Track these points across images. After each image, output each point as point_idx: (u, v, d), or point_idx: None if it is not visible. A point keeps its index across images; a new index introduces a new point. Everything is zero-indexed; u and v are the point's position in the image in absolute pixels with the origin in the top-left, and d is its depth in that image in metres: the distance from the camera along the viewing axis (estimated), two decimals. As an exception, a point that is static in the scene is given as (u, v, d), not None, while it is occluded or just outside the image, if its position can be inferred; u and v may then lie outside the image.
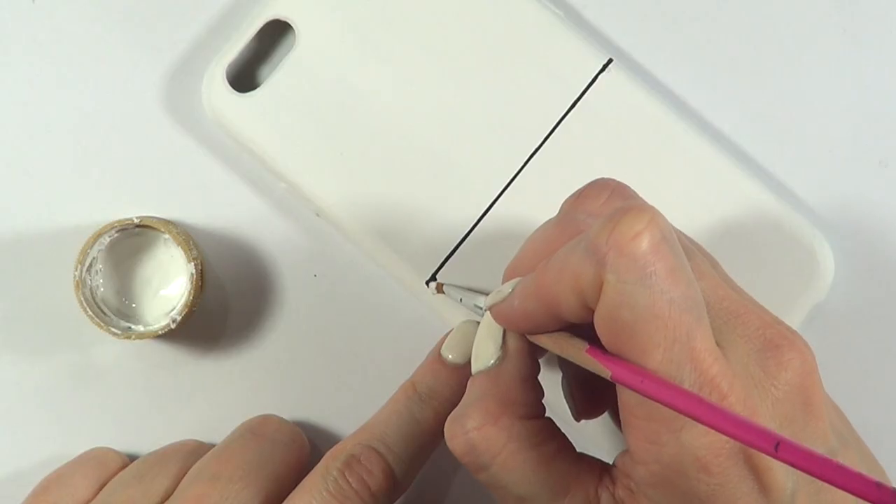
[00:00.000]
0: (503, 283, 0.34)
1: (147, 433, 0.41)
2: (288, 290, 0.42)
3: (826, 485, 0.30)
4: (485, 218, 0.40)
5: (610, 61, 0.40)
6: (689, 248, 0.31)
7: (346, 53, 0.40)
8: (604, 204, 0.33)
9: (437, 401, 0.38)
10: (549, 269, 0.30)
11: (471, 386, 0.34)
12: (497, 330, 0.34)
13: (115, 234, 0.39)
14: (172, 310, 0.40)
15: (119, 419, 0.42)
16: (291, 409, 0.42)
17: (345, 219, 0.40)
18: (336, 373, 0.42)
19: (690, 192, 0.40)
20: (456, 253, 0.40)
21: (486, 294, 0.36)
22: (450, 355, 0.38)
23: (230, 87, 0.40)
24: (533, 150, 0.40)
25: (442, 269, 0.40)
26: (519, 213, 0.40)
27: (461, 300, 0.39)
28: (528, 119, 0.40)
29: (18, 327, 0.41)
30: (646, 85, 0.41)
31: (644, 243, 0.27)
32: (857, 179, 0.42)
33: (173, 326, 0.39)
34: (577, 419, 0.36)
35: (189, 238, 0.40)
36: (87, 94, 0.42)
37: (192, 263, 0.39)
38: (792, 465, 0.25)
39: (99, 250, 0.39)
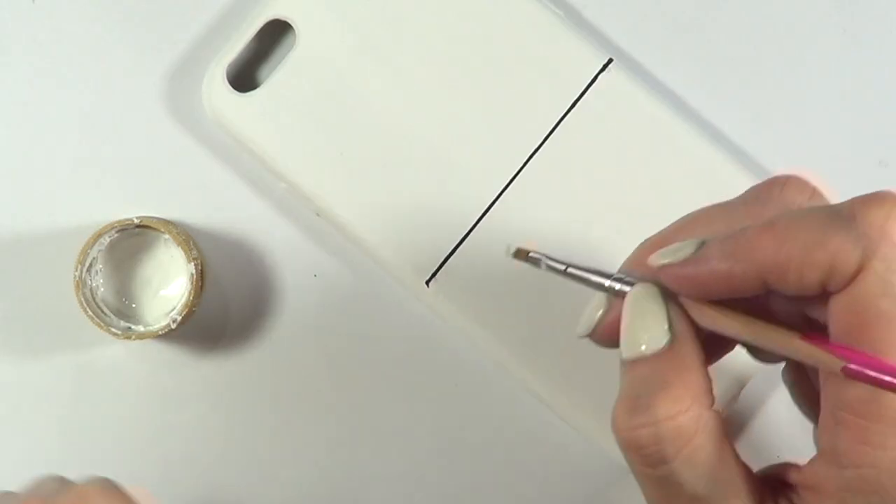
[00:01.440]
0: (637, 257, 0.31)
1: (147, 433, 0.41)
2: (288, 290, 0.42)
3: None
4: (485, 217, 0.40)
5: (610, 61, 0.40)
6: None
7: (346, 53, 0.40)
8: (811, 199, 0.31)
9: None
10: (782, 235, 0.28)
11: (641, 371, 0.30)
12: (660, 306, 0.30)
13: (115, 234, 0.39)
14: (172, 310, 0.40)
15: (119, 419, 0.41)
16: (291, 408, 0.42)
17: (345, 219, 0.40)
18: (336, 373, 0.42)
19: (690, 192, 0.40)
20: (456, 252, 0.40)
21: (593, 271, 0.31)
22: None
23: (230, 87, 0.40)
24: (533, 149, 0.40)
25: (442, 269, 0.40)
26: (519, 212, 0.40)
27: (566, 269, 0.32)
28: (528, 119, 0.40)
29: (18, 327, 0.41)
30: (646, 85, 0.41)
31: None
32: (857, 179, 0.41)
33: (173, 326, 0.39)
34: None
35: (189, 238, 0.40)
36: (87, 94, 0.42)
37: (193, 263, 0.39)
38: None
39: (99, 250, 0.39)
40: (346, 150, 0.40)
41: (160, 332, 0.39)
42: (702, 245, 0.30)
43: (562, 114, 0.40)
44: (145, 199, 0.42)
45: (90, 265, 0.39)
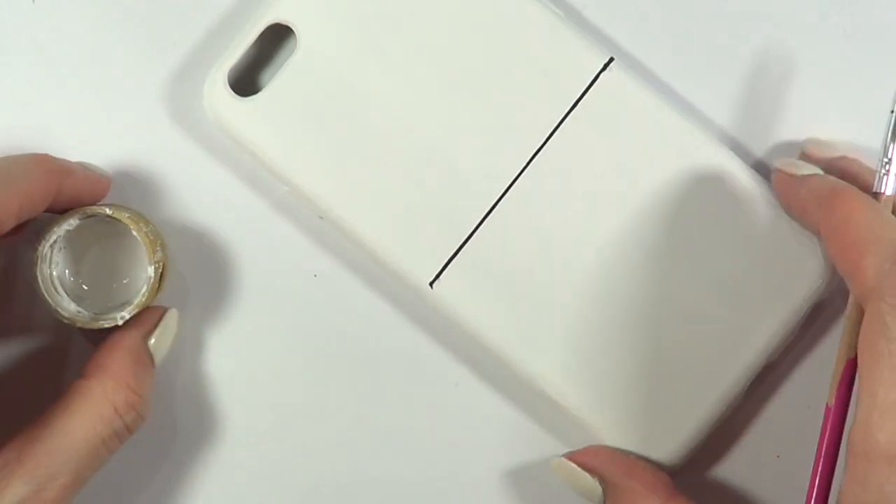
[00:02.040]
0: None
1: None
2: (288, 290, 0.42)
3: None
4: (488, 218, 0.40)
5: (611, 60, 0.40)
6: None
7: (347, 57, 0.40)
8: None
9: None
10: (844, 237, 0.34)
11: None
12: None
13: (82, 220, 0.39)
14: (126, 304, 0.40)
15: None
16: (291, 408, 0.42)
17: (348, 221, 0.40)
18: (337, 373, 0.42)
19: (691, 191, 0.40)
20: (459, 253, 0.40)
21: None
22: None
23: (231, 92, 0.40)
24: (535, 149, 0.40)
25: (445, 270, 0.40)
26: (522, 213, 0.40)
27: None
28: (529, 119, 0.40)
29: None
30: (647, 84, 0.41)
31: None
32: None
33: (119, 323, 0.39)
34: None
35: (157, 239, 0.40)
36: (87, 96, 0.42)
37: (153, 266, 0.39)
38: None
39: (67, 230, 0.39)
40: (348, 152, 0.40)
41: (105, 326, 0.39)
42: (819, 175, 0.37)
43: (563, 113, 0.40)
44: (145, 200, 0.42)
45: (54, 242, 0.39)
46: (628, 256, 0.40)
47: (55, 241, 0.39)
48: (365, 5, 0.40)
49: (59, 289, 0.39)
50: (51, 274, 0.39)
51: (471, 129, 0.40)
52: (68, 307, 0.39)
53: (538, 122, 0.40)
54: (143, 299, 0.39)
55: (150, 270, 0.39)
